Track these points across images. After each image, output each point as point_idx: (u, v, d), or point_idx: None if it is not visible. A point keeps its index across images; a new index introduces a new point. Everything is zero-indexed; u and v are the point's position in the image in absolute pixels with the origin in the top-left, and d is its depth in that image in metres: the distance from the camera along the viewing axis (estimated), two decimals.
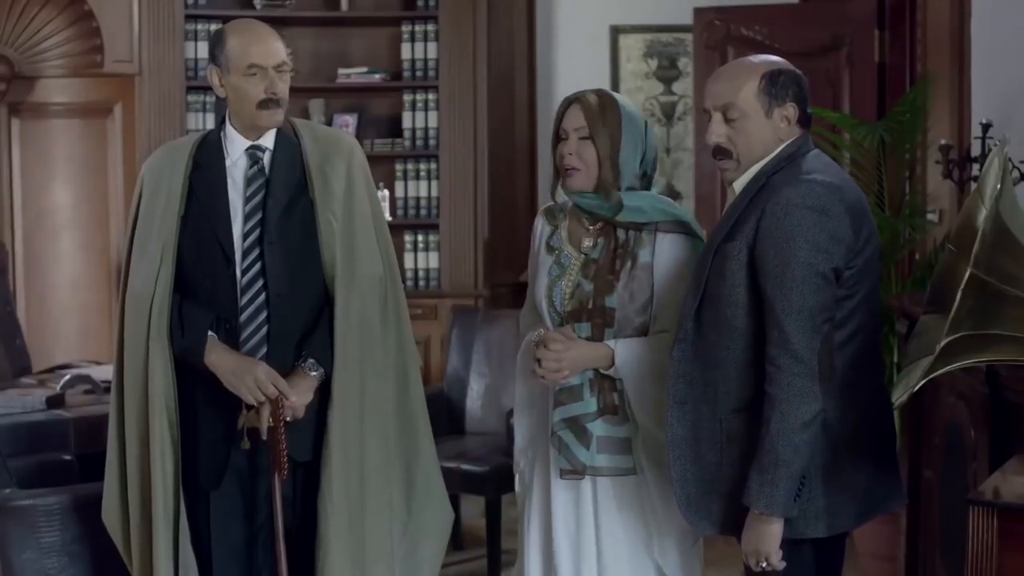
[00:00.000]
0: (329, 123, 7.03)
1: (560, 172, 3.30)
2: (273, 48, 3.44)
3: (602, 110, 3.23)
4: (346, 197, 3.49)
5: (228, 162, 3.49)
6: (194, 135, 3.62)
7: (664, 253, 3.24)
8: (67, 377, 5.01)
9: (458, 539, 5.72)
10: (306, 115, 7.00)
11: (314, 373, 3.39)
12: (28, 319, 6.62)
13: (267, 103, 3.42)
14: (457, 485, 5.33)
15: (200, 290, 3.44)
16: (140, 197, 3.54)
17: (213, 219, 3.44)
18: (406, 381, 3.60)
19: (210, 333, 3.39)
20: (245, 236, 3.43)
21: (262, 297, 3.41)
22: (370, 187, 3.58)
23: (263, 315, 3.41)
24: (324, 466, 3.39)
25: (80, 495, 3.80)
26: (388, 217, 6.95)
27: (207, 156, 3.51)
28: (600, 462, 3.22)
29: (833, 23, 6.85)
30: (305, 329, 3.43)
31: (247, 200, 3.45)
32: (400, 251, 6.99)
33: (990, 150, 4.84)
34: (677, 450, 2.96)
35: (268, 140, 3.49)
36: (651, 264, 3.22)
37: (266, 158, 3.49)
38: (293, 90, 7.28)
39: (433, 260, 6.99)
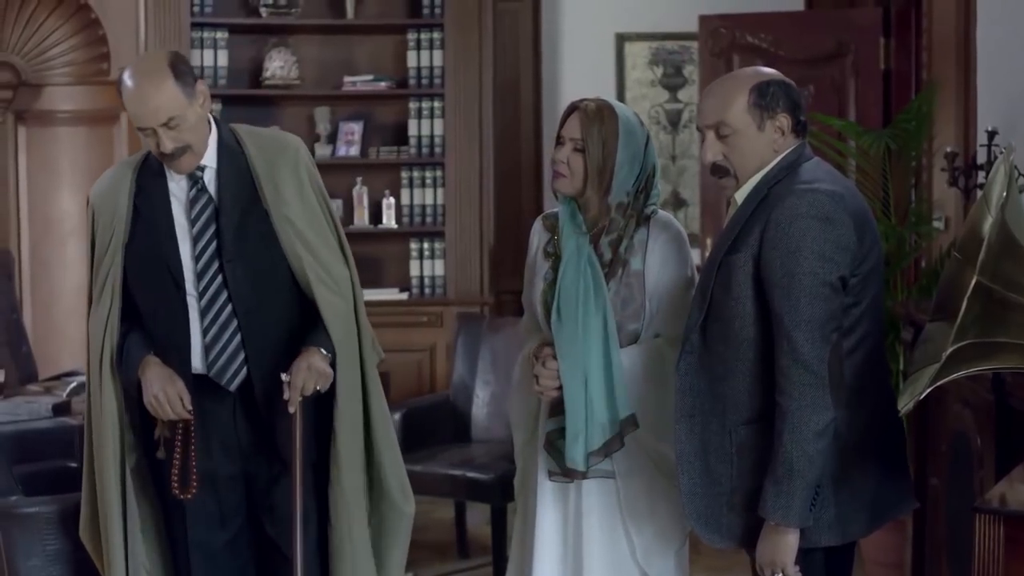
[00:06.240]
0: (335, 130, 7.04)
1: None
2: (152, 110, 3.25)
3: (599, 122, 3.23)
4: (299, 200, 3.43)
5: (172, 184, 3.41)
6: (136, 155, 3.51)
7: (655, 257, 3.25)
8: (73, 384, 5.01)
9: (464, 547, 5.72)
10: (311, 123, 7.01)
11: (326, 353, 3.38)
12: (34, 326, 6.62)
13: (164, 157, 3.33)
14: (463, 493, 5.34)
15: (149, 317, 3.41)
16: (93, 227, 3.49)
17: (159, 243, 3.38)
18: (366, 379, 3.55)
19: (149, 355, 3.36)
20: (197, 258, 3.36)
21: (226, 313, 3.36)
22: (317, 185, 3.51)
23: (229, 331, 3.36)
24: (334, 466, 3.41)
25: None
26: (394, 225, 6.99)
27: (149, 178, 3.43)
28: (585, 463, 3.24)
29: (839, 30, 6.86)
30: (281, 339, 3.40)
31: (193, 221, 3.37)
32: (405, 258, 7.01)
33: (996, 157, 4.84)
34: (686, 464, 2.96)
35: (209, 158, 3.40)
36: (642, 271, 3.25)
37: (208, 176, 3.40)
38: (300, 98, 7.30)
39: (439, 267, 6.99)
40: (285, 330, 3.42)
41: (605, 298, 3.22)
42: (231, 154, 3.42)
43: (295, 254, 3.39)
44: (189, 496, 3.36)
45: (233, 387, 3.39)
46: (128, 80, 3.29)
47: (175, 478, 3.36)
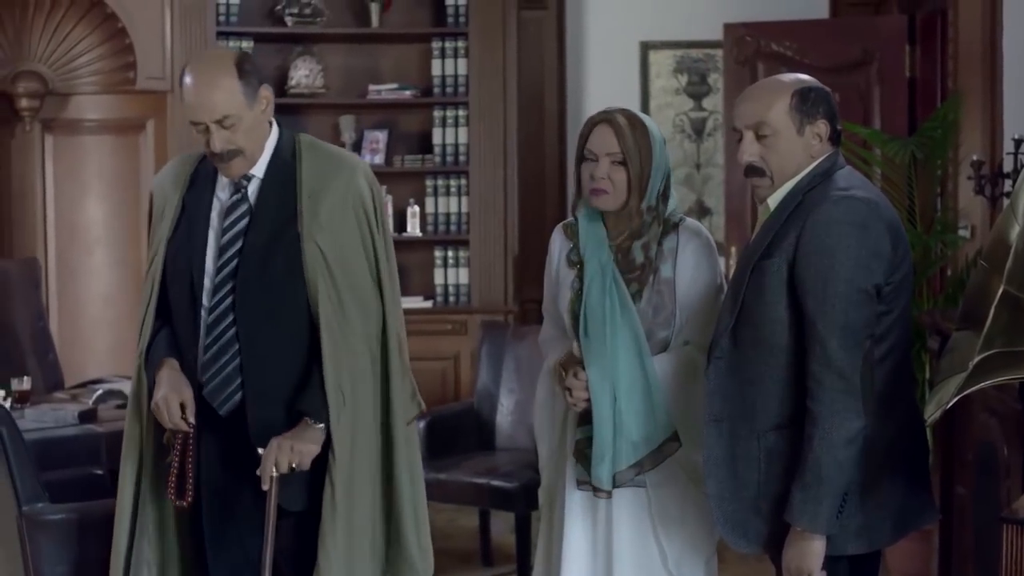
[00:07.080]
0: (359, 139, 7.06)
1: (584, 191, 3.28)
2: (207, 105, 3.12)
3: (634, 134, 3.23)
4: (337, 227, 3.24)
5: (219, 189, 3.28)
6: (200, 150, 3.31)
7: (685, 264, 3.25)
8: (99, 392, 5.03)
9: (488, 555, 5.71)
10: (336, 131, 7.03)
11: (319, 426, 3.20)
12: (61, 334, 6.65)
13: (213, 157, 3.19)
14: (486, 501, 5.33)
15: (175, 317, 3.30)
16: (151, 216, 3.41)
17: (191, 247, 3.25)
18: (391, 432, 3.37)
19: (169, 358, 3.26)
20: (218, 271, 3.22)
21: (230, 335, 3.21)
22: (367, 213, 3.30)
23: (229, 353, 3.21)
24: (325, 515, 3.24)
25: (113, 510, 3.80)
26: (418, 233, 7.00)
27: (202, 177, 3.30)
28: (610, 483, 3.23)
29: (864, 38, 6.84)
30: (284, 373, 3.23)
31: (223, 232, 3.23)
32: (430, 267, 7.02)
33: (1022, 165, 4.82)
34: (714, 469, 2.95)
35: (259, 168, 3.24)
36: (672, 279, 3.24)
37: (252, 187, 3.25)
38: (325, 106, 7.32)
39: (463, 276, 7.00)
40: (291, 364, 3.23)
41: (633, 315, 3.21)
42: (282, 168, 3.25)
43: (315, 287, 3.21)
44: (185, 505, 3.25)
45: (224, 411, 3.24)
46: (189, 71, 3.16)
47: (172, 485, 3.25)
